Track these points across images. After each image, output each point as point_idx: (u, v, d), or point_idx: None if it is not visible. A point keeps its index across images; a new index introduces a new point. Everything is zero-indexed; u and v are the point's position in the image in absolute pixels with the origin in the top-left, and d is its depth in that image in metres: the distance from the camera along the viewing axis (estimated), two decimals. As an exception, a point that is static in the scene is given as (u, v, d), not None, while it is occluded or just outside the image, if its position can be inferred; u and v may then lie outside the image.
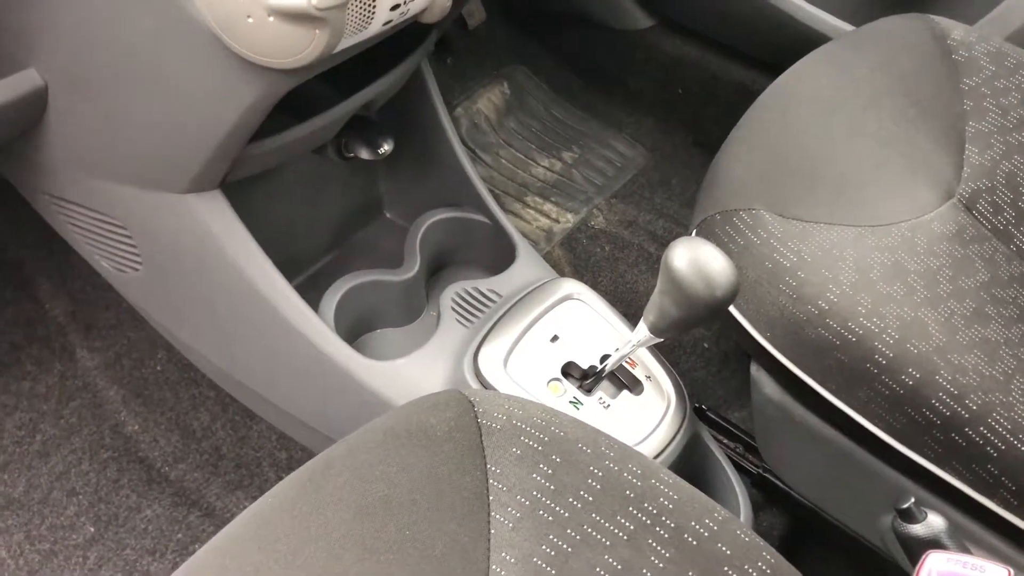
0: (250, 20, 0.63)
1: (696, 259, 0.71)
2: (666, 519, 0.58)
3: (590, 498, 0.58)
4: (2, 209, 1.17)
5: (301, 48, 0.65)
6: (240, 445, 1.08)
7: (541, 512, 0.57)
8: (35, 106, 0.81)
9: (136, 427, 1.09)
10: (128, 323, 1.15)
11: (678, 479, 0.62)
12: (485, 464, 0.60)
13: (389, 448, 0.61)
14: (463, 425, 0.62)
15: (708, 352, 1.26)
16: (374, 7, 0.66)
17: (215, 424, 1.10)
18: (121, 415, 1.09)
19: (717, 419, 1.11)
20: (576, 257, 1.36)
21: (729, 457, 0.93)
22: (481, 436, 0.62)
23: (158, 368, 1.13)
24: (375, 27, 0.68)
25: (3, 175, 1.01)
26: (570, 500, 0.58)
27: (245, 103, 0.72)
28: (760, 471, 1.03)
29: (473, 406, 0.64)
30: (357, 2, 0.64)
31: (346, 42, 0.67)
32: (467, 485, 0.59)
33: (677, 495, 0.60)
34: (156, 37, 0.70)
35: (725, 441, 1.07)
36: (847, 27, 1.22)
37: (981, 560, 0.55)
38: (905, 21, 1.00)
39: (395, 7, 0.68)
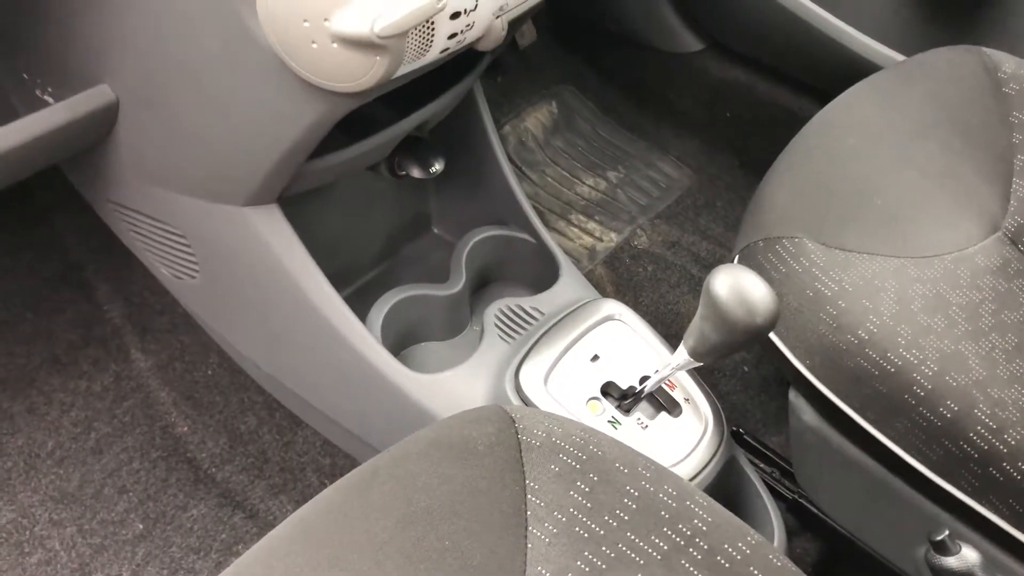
0: (314, 46, 0.66)
1: (737, 286, 0.72)
2: (700, 541, 0.59)
3: (626, 517, 0.60)
4: (68, 214, 1.22)
5: (362, 73, 0.67)
6: (285, 450, 1.11)
7: (577, 529, 0.59)
8: (107, 120, 0.85)
9: (186, 428, 1.12)
10: (182, 327, 1.18)
11: (712, 502, 0.63)
12: (524, 479, 0.62)
13: (432, 460, 0.63)
14: (503, 440, 0.64)
15: (748, 376, 1.27)
16: (433, 36, 0.68)
17: (262, 428, 1.12)
18: (172, 416, 1.13)
19: (754, 443, 1.11)
20: (618, 276, 1.37)
21: (765, 481, 0.94)
22: (521, 452, 0.63)
23: (209, 372, 1.16)
24: (433, 54, 0.70)
25: (72, 182, 1.05)
26: (606, 518, 0.60)
27: (306, 123, 0.75)
28: (795, 496, 1.03)
29: (514, 422, 0.66)
30: (417, 31, 0.66)
31: (405, 68, 0.69)
32: (506, 499, 0.61)
33: (711, 517, 0.61)
34: (224, 58, 0.73)
35: (761, 465, 1.07)
36: (898, 56, 1.22)
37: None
38: (956, 53, 1.00)
39: (452, 36, 0.70)
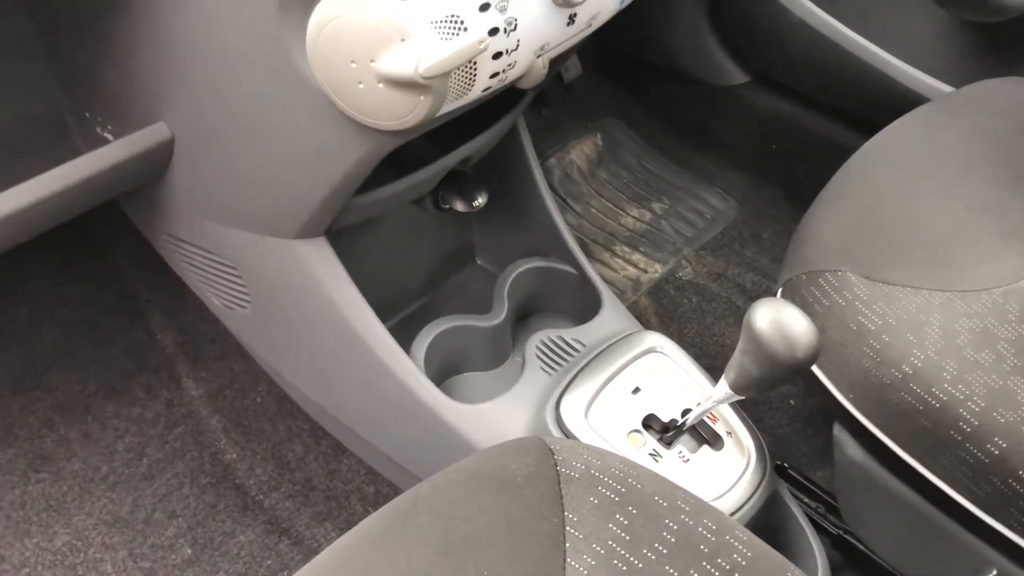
0: (361, 86, 0.67)
1: (778, 320, 0.72)
2: (739, 575, 0.59)
3: (664, 551, 0.60)
4: (124, 246, 1.26)
5: (407, 112, 0.69)
6: (330, 478, 1.13)
7: (616, 561, 0.59)
8: (163, 157, 0.88)
9: (234, 455, 1.15)
10: (232, 356, 1.21)
11: (753, 536, 0.63)
12: (563, 511, 0.62)
13: (471, 490, 0.64)
14: (543, 472, 0.64)
15: (794, 409, 1.26)
16: (475, 75, 0.69)
17: (308, 456, 1.14)
18: (221, 443, 1.15)
19: (799, 477, 1.10)
20: (663, 307, 1.37)
21: (809, 516, 0.93)
22: (560, 483, 0.64)
23: (258, 400, 1.19)
24: (475, 93, 0.72)
25: (128, 216, 1.09)
26: (645, 551, 0.60)
27: (353, 159, 0.77)
28: (840, 532, 1.02)
29: (553, 454, 0.66)
30: (459, 71, 0.68)
31: (448, 107, 0.71)
32: (545, 530, 0.61)
33: (751, 552, 0.61)
34: (275, 98, 0.76)
35: (806, 500, 1.06)
36: (945, 88, 1.22)
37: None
38: (1004, 85, 1.00)
39: (494, 75, 0.71)
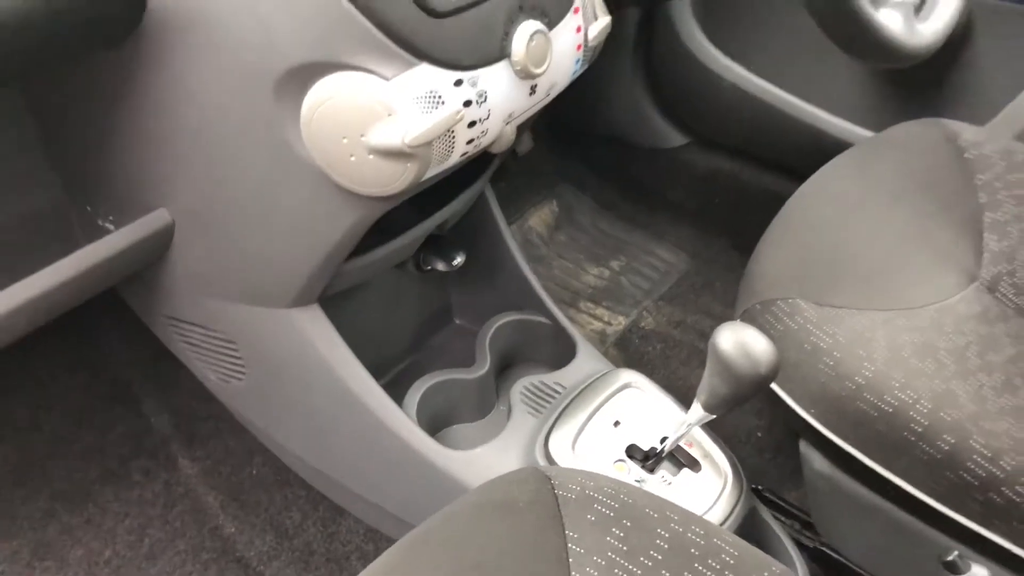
0: (353, 159, 0.74)
1: (740, 341, 0.78)
2: (729, 573, 0.63)
3: (659, 557, 0.64)
4: (116, 333, 1.29)
5: (395, 179, 0.75)
6: (329, 541, 1.15)
7: (616, 571, 0.63)
8: (164, 241, 0.92)
9: (233, 529, 1.17)
10: (227, 432, 1.24)
11: (737, 538, 0.67)
12: (564, 530, 0.66)
13: (478, 518, 0.68)
14: (542, 497, 0.68)
15: (761, 440, 1.32)
16: (453, 142, 0.77)
17: (306, 522, 1.17)
18: (220, 518, 1.17)
19: (773, 498, 1.15)
20: (630, 356, 1.44)
21: (787, 531, 0.98)
22: (559, 506, 0.68)
23: (254, 472, 1.21)
24: (454, 158, 0.79)
25: (124, 299, 1.13)
26: (641, 559, 0.64)
27: (346, 226, 0.83)
28: (817, 544, 1.06)
29: (549, 479, 0.70)
30: (440, 139, 0.75)
31: (431, 172, 0.78)
32: (549, 549, 0.65)
33: (737, 552, 0.66)
34: (273, 177, 0.81)
35: (782, 518, 1.10)
36: (867, 133, 1.29)
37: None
38: (920, 126, 1.07)
39: (470, 141, 0.79)
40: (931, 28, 0.95)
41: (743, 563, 0.65)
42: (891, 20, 0.89)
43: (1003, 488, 0.75)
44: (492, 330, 1.12)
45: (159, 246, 0.93)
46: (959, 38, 1.23)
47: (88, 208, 0.96)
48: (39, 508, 1.15)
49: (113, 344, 1.31)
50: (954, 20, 0.99)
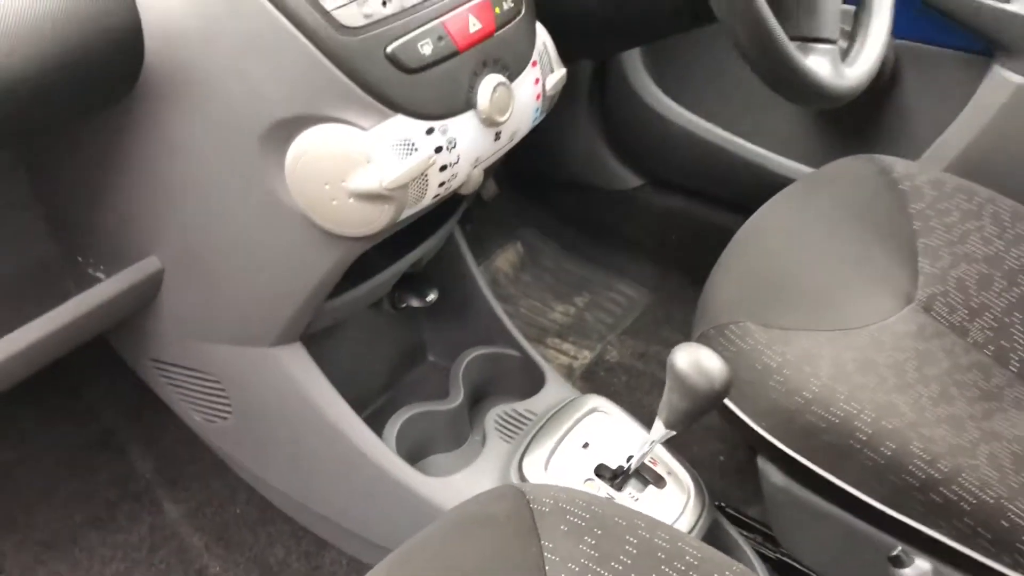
0: (334, 203, 0.80)
1: (695, 360, 0.85)
2: (693, 573, 0.68)
3: (629, 561, 0.69)
4: (101, 380, 1.32)
5: (374, 220, 0.81)
6: (313, 574, 1.18)
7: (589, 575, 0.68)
8: (153, 287, 0.96)
9: (218, 568, 1.18)
10: (210, 473, 1.26)
11: (700, 542, 0.73)
12: (539, 540, 0.70)
13: (460, 533, 0.73)
14: (518, 511, 0.73)
15: (724, 464, 1.37)
16: (427, 185, 0.83)
17: (290, 557, 1.20)
18: (204, 558, 1.19)
19: (736, 514, 1.20)
20: (596, 388, 1.49)
21: (750, 544, 1.03)
22: (534, 518, 0.72)
23: (237, 511, 1.24)
24: (427, 199, 0.85)
25: (110, 343, 1.15)
26: (612, 564, 0.68)
27: (328, 265, 0.88)
28: (778, 555, 1.12)
29: (525, 494, 0.75)
30: (415, 183, 0.81)
31: (406, 212, 0.83)
32: (527, 558, 0.69)
33: (700, 554, 0.71)
34: (258, 223, 0.86)
35: (744, 533, 1.13)
36: (807, 169, 1.35)
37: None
38: (855, 161, 1.14)
39: (442, 184, 0.85)
40: (857, 72, 1.02)
41: (706, 563, 0.70)
42: (819, 65, 0.96)
43: (941, 488, 0.80)
44: (464, 364, 1.17)
45: (149, 291, 0.97)
46: (888, 80, 1.31)
47: (79, 259, 0.99)
48: (29, 555, 1.17)
49: (96, 393, 1.34)
50: (878, 64, 1.06)
